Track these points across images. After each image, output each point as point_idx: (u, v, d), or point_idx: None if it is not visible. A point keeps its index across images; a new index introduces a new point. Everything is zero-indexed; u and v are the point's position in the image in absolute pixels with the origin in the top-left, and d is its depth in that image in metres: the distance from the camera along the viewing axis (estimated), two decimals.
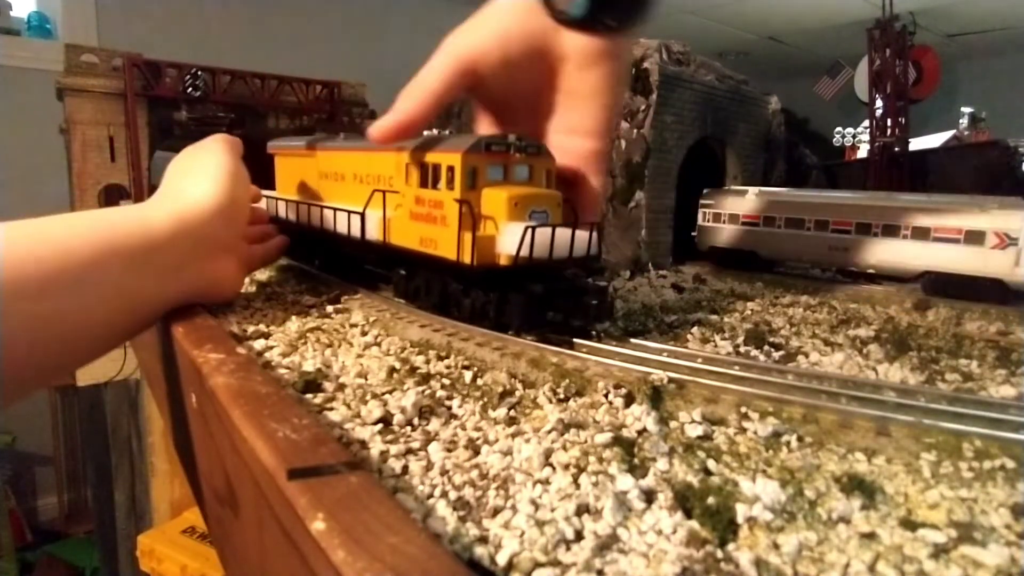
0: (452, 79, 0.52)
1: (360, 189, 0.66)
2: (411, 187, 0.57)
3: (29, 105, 2.34)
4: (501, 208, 0.51)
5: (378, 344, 0.52)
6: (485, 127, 0.61)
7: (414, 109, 0.53)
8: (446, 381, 0.44)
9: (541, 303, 0.51)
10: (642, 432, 0.36)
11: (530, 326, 0.52)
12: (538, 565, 0.24)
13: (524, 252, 0.50)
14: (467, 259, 0.50)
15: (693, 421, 0.38)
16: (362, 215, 0.64)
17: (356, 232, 0.65)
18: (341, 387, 0.42)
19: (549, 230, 0.52)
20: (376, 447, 0.33)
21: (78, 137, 1.34)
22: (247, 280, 0.76)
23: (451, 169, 0.52)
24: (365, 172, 0.66)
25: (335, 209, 0.70)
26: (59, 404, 2.58)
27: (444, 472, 0.31)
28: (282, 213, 0.83)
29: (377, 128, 0.54)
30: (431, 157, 0.54)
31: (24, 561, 2.38)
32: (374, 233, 0.63)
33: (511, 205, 0.51)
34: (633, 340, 0.54)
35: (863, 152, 2.12)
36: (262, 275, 0.80)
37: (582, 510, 0.28)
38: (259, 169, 0.92)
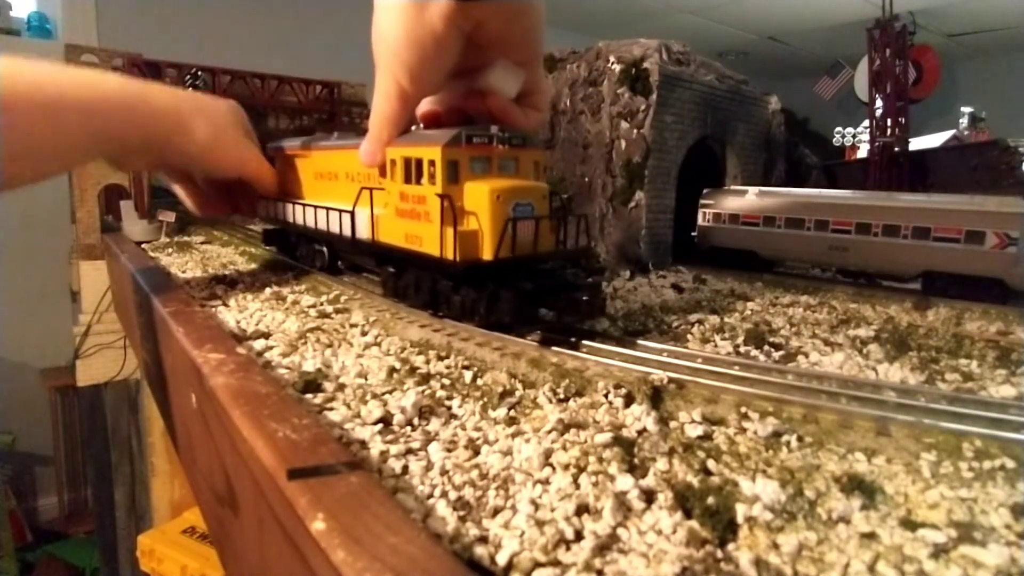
0: (401, 105, 0.54)
1: (351, 188, 0.66)
2: (396, 183, 0.57)
3: None
4: (483, 202, 0.50)
5: (378, 344, 0.52)
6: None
7: (385, 134, 0.56)
8: (446, 381, 0.44)
9: (532, 300, 0.51)
10: (642, 432, 0.37)
11: (522, 323, 0.52)
12: (538, 565, 0.24)
13: (506, 246, 0.49)
14: (450, 255, 0.50)
15: (693, 421, 0.38)
16: (352, 213, 0.64)
17: (347, 231, 0.65)
18: (341, 387, 0.42)
19: (532, 223, 0.52)
20: (376, 447, 0.33)
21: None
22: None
23: (432, 163, 0.52)
24: (356, 170, 0.66)
25: (328, 208, 0.70)
26: (59, 404, 2.58)
27: (444, 472, 0.31)
28: (280, 214, 0.83)
29: (366, 153, 0.58)
30: (413, 151, 0.54)
31: (24, 561, 2.38)
32: (363, 231, 0.63)
33: (493, 199, 0.50)
34: (633, 340, 0.54)
35: (863, 152, 2.12)
36: (263, 276, 0.80)
37: (582, 510, 0.28)
38: None
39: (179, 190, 0.81)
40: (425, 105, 0.57)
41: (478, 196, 0.51)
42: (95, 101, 0.62)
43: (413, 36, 0.48)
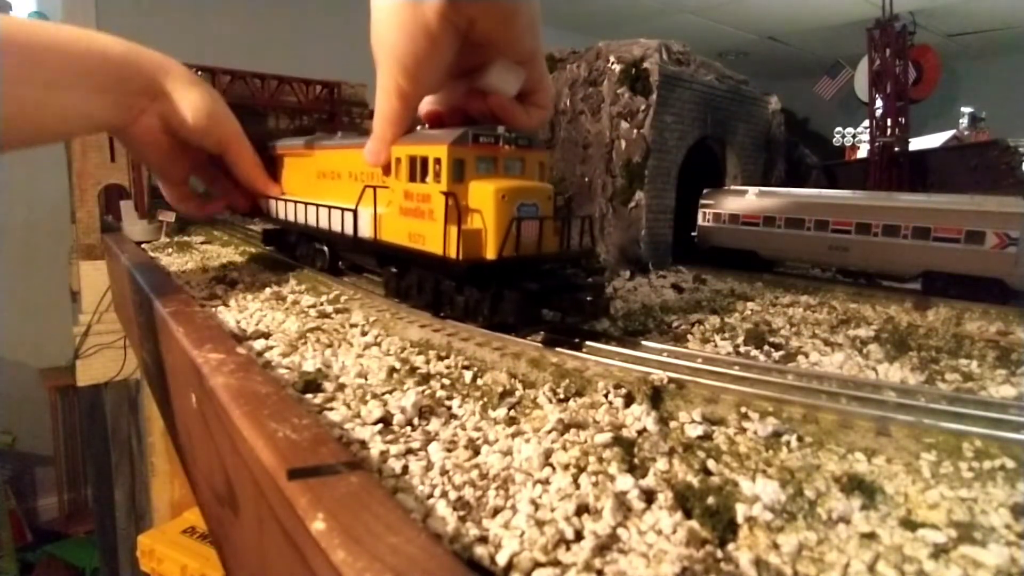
0: (401, 103, 0.54)
1: (354, 187, 0.66)
2: (400, 181, 0.57)
3: None
4: (488, 201, 0.50)
5: (378, 344, 0.52)
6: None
7: (389, 133, 0.57)
8: (446, 381, 0.44)
9: (536, 301, 0.51)
10: (642, 432, 0.37)
11: (526, 324, 0.52)
12: (538, 565, 0.24)
13: (510, 245, 0.49)
14: (454, 254, 0.50)
15: (693, 421, 0.38)
16: (354, 212, 0.64)
17: (349, 230, 0.65)
18: (341, 387, 0.42)
19: (537, 223, 0.52)
20: (376, 447, 0.33)
21: (78, 137, 1.34)
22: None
23: (437, 161, 0.52)
24: (359, 169, 0.66)
25: (330, 207, 0.70)
26: (59, 404, 2.58)
27: (444, 472, 0.31)
28: (281, 214, 0.83)
29: (370, 153, 0.58)
30: (418, 150, 0.54)
31: (24, 561, 2.38)
32: (366, 230, 0.63)
33: (498, 198, 0.50)
34: (633, 340, 0.54)
35: (863, 152, 2.12)
36: (263, 276, 0.80)
37: (582, 510, 0.28)
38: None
39: (170, 192, 0.80)
40: (427, 105, 0.57)
41: (483, 195, 0.51)
42: (98, 47, 0.64)
43: (408, 33, 0.48)
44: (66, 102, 0.62)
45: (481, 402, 0.41)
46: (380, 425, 0.36)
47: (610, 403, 0.40)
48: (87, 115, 0.66)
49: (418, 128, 0.58)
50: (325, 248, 0.79)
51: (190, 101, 0.69)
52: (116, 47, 0.66)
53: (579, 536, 0.26)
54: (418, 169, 0.54)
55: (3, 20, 0.58)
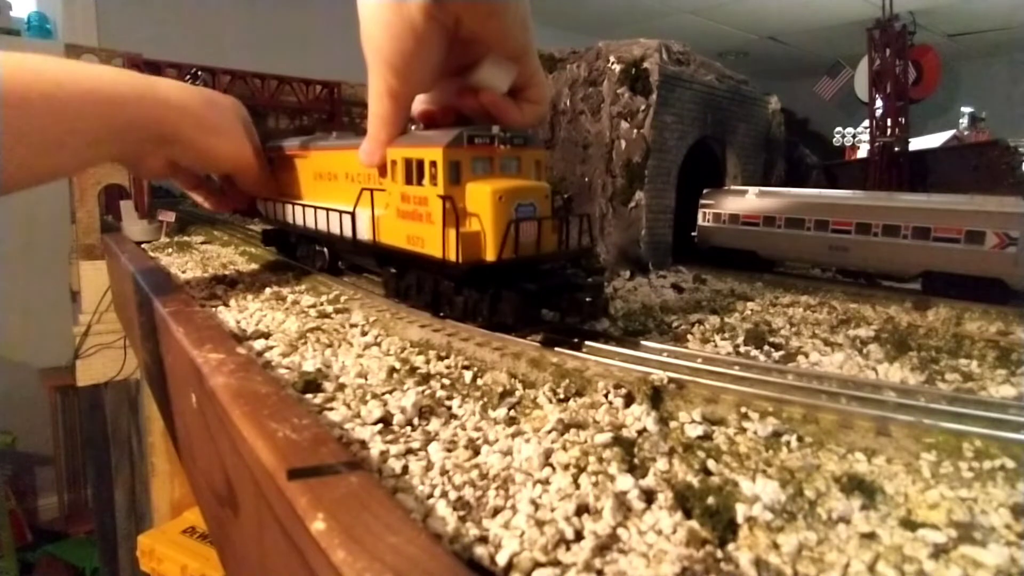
0: (393, 103, 0.54)
1: (352, 188, 0.65)
2: (397, 184, 0.57)
3: None
4: (485, 204, 0.50)
5: (378, 344, 0.52)
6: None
7: (383, 134, 0.56)
8: (446, 381, 0.44)
9: (535, 301, 0.51)
10: (642, 432, 0.37)
11: (525, 324, 0.52)
12: (538, 565, 0.24)
13: (509, 247, 0.49)
14: (453, 256, 0.50)
15: (693, 421, 0.38)
16: (352, 215, 0.64)
17: (348, 232, 0.65)
18: (341, 387, 0.42)
19: (535, 224, 0.52)
20: (376, 447, 0.33)
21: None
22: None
23: (433, 164, 0.52)
24: (356, 171, 0.66)
25: (328, 209, 0.69)
26: (59, 404, 2.58)
27: (444, 472, 0.31)
28: (280, 215, 0.83)
29: (365, 153, 0.58)
30: (414, 152, 0.54)
31: (24, 561, 2.38)
32: (364, 233, 0.62)
33: (495, 200, 0.50)
34: (633, 340, 0.54)
35: (863, 152, 2.12)
36: (263, 276, 0.80)
37: (582, 510, 0.28)
38: None
39: (196, 195, 0.81)
40: (420, 104, 0.57)
41: (480, 197, 0.51)
42: (105, 92, 0.61)
43: (394, 33, 0.48)
44: (64, 154, 0.60)
45: (481, 402, 0.41)
46: (380, 425, 0.36)
47: (610, 403, 0.40)
48: (88, 159, 0.65)
49: (412, 128, 0.58)
50: (324, 249, 0.79)
51: (209, 154, 0.69)
52: (126, 88, 0.62)
53: (579, 536, 0.26)
54: (414, 172, 0.54)
55: (5, 72, 0.54)
